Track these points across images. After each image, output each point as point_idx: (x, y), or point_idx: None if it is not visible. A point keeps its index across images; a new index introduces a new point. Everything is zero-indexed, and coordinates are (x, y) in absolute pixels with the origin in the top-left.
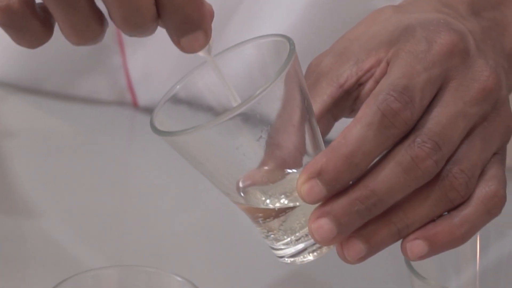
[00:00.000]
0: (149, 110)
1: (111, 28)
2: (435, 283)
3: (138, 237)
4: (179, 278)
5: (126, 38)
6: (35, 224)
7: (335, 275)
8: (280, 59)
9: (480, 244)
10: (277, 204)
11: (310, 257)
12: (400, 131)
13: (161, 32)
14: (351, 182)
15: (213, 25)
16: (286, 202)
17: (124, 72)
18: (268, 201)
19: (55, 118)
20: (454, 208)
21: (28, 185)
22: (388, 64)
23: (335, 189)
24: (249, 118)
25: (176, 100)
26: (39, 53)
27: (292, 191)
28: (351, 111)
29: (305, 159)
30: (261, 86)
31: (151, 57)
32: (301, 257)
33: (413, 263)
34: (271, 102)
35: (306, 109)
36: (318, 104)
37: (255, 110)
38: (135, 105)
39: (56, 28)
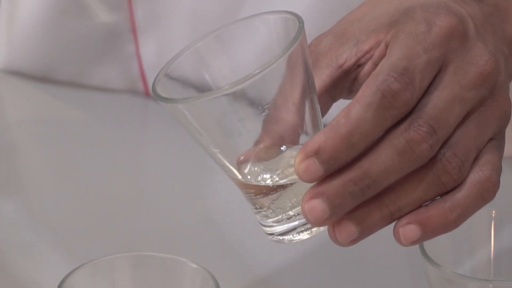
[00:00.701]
0: None
1: (124, 15)
2: (449, 270)
3: (152, 224)
4: (193, 265)
5: (139, 26)
6: (47, 212)
7: (346, 261)
8: (288, 36)
9: (494, 231)
10: (269, 181)
11: (300, 237)
12: (399, 112)
13: (174, 19)
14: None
15: (226, 7)
16: (278, 179)
17: (137, 60)
18: (260, 177)
19: (67, 107)
20: (447, 192)
21: (41, 174)
22: (387, 45)
23: (333, 168)
24: (252, 92)
25: (179, 69)
26: (51, 41)
27: (286, 169)
28: (350, 92)
29: (303, 138)
30: (267, 62)
31: (164, 45)
32: (291, 236)
33: (427, 250)
34: (275, 79)
35: (309, 88)
36: (317, 84)
37: (259, 85)
38: (147, 94)
39: (67, 17)
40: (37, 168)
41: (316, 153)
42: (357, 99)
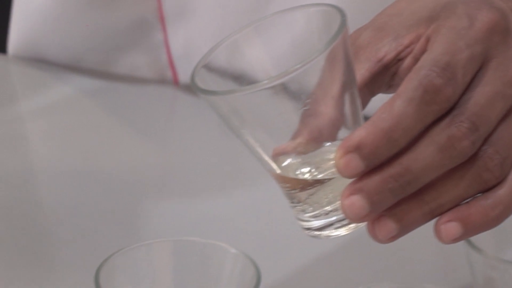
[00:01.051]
0: (190, 88)
1: (152, 4)
2: (492, 255)
3: (188, 211)
4: (233, 251)
5: (167, 15)
6: (82, 198)
7: (386, 250)
8: (328, 29)
9: None
10: (306, 176)
11: (338, 233)
12: (441, 107)
13: (202, 9)
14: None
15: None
16: (316, 174)
17: (165, 49)
18: (297, 171)
19: (94, 96)
20: (489, 189)
21: (73, 162)
22: (427, 40)
23: (373, 164)
24: (293, 86)
25: (217, 60)
26: (78, 29)
27: (324, 164)
28: (389, 87)
29: (343, 132)
30: (309, 56)
31: (193, 34)
32: (328, 231)
33: None
34: (316, 73)
35: (350, 82)
36: None
37: (300, 79)
38: (175, 83)
39: (95, 5)
40: (67, 156)
41: (357, 149)
42: (399, 94)
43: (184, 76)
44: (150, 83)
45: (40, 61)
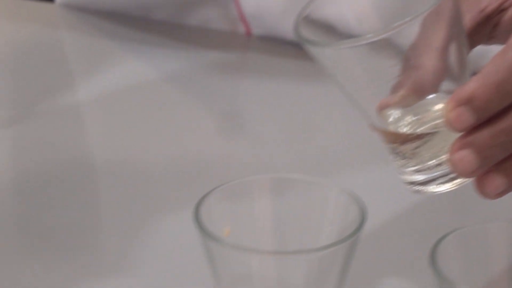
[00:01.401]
0: (263, 39)
1: None
2: None
3: (290, 148)
4: (336, 188)
5: None
6: (174, 144)
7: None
8: None
9: None
10: (409, 129)
11: (442, 188)
12: None
13: None
14: None
15: None
16: (418, 127)
17: (235, 5)
18: (400, 125)
19: (164, 47)
20: None
21: (151, 109)
22: None
23: (484, 117)
24: (397, 40)
25: (318, 10)
26: None
27: (426, 117)
28: (489, 38)
29: (447, 85)
30: (416, 10)
31: None
32: (432, 186)
33: None
34: (423, 27)
35: (457, 34)
36: None
37: (405, 33)
38: (248, 34)
39: None
40: (142, 104)
41: (469, 101)
42: (510, 45)
43: (256, 29)
44: (221, 33)
45: (109, 14)
